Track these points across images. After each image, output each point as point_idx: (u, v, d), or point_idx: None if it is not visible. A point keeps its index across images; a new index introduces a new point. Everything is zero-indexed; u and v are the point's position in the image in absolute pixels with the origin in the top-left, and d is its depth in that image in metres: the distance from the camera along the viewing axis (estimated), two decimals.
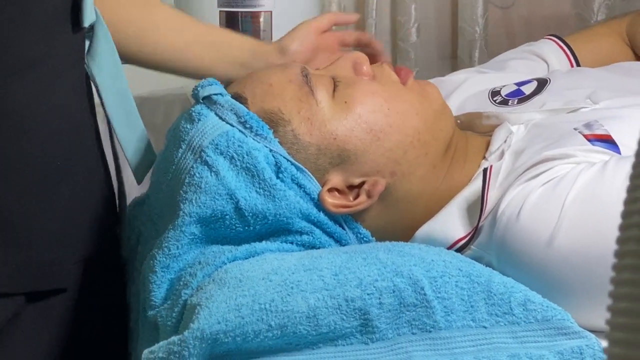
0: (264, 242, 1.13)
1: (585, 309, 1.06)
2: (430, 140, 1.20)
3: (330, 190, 1.16)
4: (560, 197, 1.07)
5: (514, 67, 1.54)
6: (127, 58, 1.29)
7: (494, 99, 1.37)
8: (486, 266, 1.09)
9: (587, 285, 1.06)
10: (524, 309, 1.02)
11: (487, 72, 1.53)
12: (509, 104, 1.34)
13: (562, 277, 1.06)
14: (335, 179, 1.17)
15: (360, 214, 1.18)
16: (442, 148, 1.21)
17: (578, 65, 1.56)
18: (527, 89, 1.36)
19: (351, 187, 1.18)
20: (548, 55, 1.57)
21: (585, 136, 1.17)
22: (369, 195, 1.17)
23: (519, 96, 1.35)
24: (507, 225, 1.09)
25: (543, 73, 1.49)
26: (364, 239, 1.18)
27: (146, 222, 1.20)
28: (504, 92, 1.37)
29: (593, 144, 1.16)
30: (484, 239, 1.12)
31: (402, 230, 1.20)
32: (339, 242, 1.17)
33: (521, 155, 1.18)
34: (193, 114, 1.16)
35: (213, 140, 1.13)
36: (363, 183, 1.17)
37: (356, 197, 1.18)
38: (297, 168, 1.15)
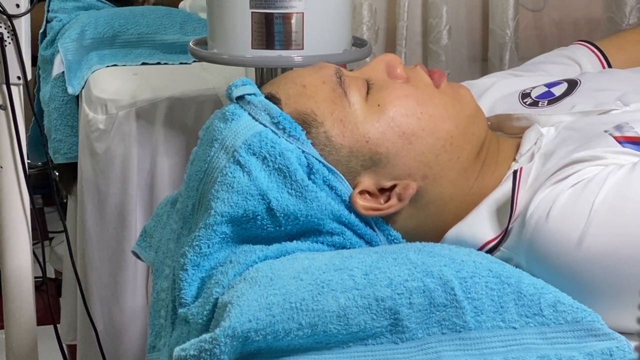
0: (294, 241, 1.14)
1: (615, 310, 1.05)
2: (462, 144, 1.20)
3: (361, 192, 1.17)
4: (589, 198, 1.07)
5: (548, 71, 1.54)
6: None
7: (524, 100, 1.37)
8: (515, 267, 1.09)
9: (616, 286, 1.05)
10: (554, 310, 1.02)
11: (521, 75, 1.53)
12: (539, 105, 1.34)
13: (590, 278, 1.06)
14: (367, 182, 1.17)
15: (391, 216, 1.18)
16: (474, 152, 1.21)
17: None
18: (557, 91, 1.36)
19: (382, 190, 1.18)
20: (580, 58, 1.57)
21: (615, 138, 1.17)
22: (400, 199, 1.17)
23: (549, 97, 1.35)
24: (535, 227, 1.08)
25: (575, 75, 1.49)
26: (395, 240, 1.18)
27: (178, 220, 1.21)
28: (534, 94, 1.37)
29: (623, 146, 1.15)
30: (513, 241, 1.12)
31: (433, 232, 1.20)
32: (370, 243, 1.17)
33: (551, 157, 1.18)
34: (227, 113, 1.16)
35: (246, 141, 1.13)
36: (394, 186, 1.18)
37: (387, 200, 1.18)
38: (329, 170, 1.15)
